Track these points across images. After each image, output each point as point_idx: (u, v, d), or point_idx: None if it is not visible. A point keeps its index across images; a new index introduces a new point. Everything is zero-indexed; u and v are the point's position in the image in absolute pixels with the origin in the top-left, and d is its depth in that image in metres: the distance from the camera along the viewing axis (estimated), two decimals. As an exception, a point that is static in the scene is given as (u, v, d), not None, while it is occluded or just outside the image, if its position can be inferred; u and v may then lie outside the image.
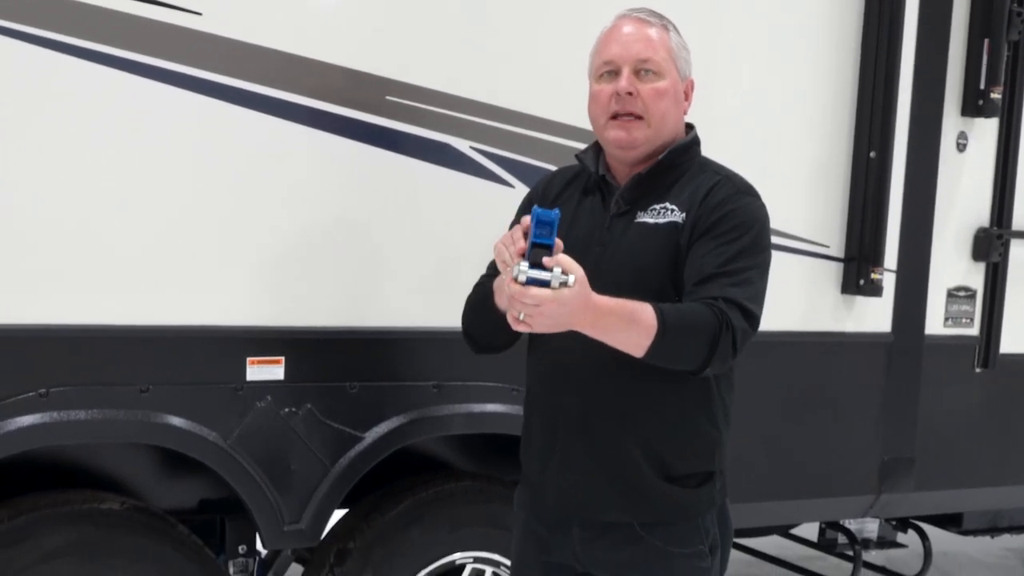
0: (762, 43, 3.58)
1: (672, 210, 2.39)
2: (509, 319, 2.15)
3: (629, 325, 2.20)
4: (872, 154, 3.71)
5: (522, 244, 2.14)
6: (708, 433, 2.45)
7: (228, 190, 2.90)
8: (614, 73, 2.41)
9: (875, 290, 3.76)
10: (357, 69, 3.00)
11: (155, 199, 2.83)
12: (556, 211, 2.10)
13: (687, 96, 2.49)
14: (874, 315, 3.86)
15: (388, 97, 3.04)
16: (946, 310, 4.02)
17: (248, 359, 2.95)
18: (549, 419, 2.49)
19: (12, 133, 2.68)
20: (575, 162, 2.58)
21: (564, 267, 2.08)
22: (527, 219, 2.16)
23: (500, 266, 2.21)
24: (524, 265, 2.07)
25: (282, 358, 2.99)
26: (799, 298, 3.72)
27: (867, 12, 3.72)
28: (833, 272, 3.77)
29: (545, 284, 2.07)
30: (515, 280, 2.07)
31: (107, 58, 2.74)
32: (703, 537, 2.45)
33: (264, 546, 3.14)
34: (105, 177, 2.77)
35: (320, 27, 2.98)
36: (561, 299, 2.08)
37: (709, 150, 2.56)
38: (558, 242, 2.10)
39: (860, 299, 3.80)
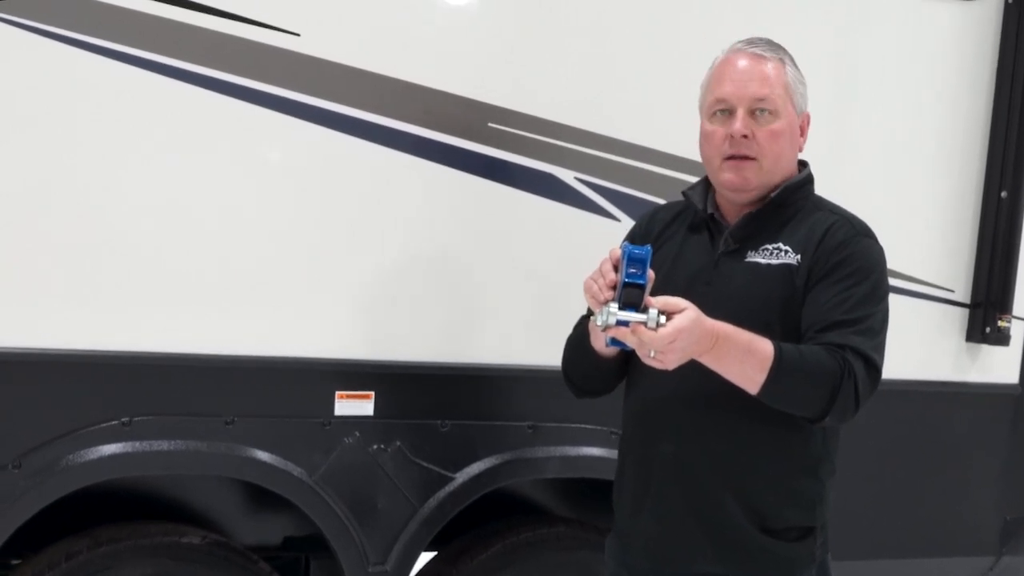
0: (889, 76, 3.44)
1: (786, 251, 2.29)
2: (640, 356, 2.05)
3: (744, 355, 2.12)
4: (1004, 194, 3.55)
5: (612, 276, 2.08)
6: (810, 486, 2.34)
7: (321, 219, 2.84)
8: (727, 112, 2.32)
9: (1002, 339, 3.60)
10: (456, 94, 2.92)
11: (247, 228, 2.78)
12: (648, 248, 2.03)
13: (802, 131, 2.39)
14: (1001, 365, 3.69)
15: (490, 124, 2.95)
16: (1079, 362, 3.83)
17: (337, 393, 2.88)
18: (643, 465, 2.40)
19: (112, 160, 2.64)
20: (680, 197, 2.48)
21: (664, 307, 2.00)
22: (616, 251, 2.09)
23: (590, 301, 2.15)
24: (614, 307, 2.00)
25: (372, 393, 2.91)
26: (919, 345, 3.56)
27: (1003, 41, 3.54)
28: (957, 319, 3.61)
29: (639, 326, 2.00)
30: (607, 323, 1.99)
31: (209, 81, 2.70)
32: None
33: (348, 587, 3.05)
34: (198, 205, 2.73)
35: (421, 50, 2.90)
36: (686, 329, 2.00)
37: (833, 187, 2.45)
38: (650, 275, 2.03)
39: (986, 348, 3.64)
